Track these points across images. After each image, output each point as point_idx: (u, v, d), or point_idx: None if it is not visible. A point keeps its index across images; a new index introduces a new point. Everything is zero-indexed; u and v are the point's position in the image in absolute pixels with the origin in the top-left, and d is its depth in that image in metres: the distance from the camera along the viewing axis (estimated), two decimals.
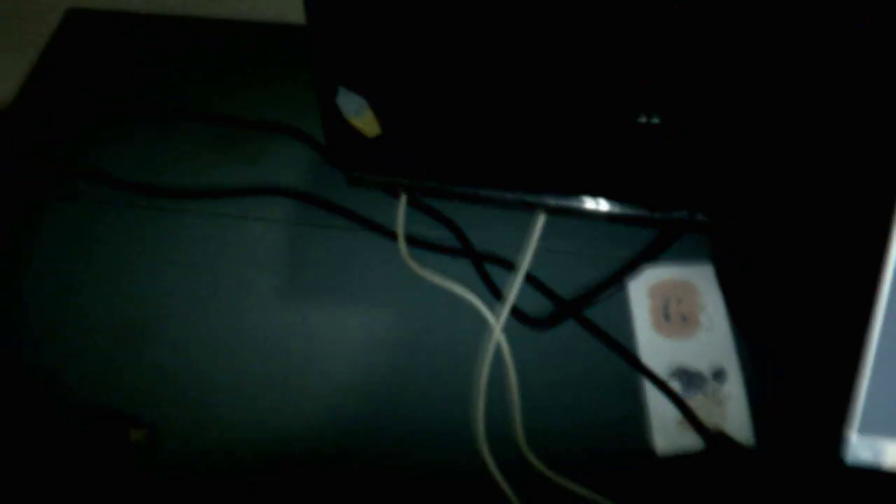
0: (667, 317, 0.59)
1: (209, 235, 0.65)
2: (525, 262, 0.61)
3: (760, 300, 0.58)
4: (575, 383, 0.58)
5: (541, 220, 0.61)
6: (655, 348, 0.59)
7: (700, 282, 0.60)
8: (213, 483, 0.56)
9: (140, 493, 0.56)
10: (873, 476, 0.48)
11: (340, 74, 0.52)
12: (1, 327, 0.62)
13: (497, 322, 0.59)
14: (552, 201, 0.59)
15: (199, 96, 0.72)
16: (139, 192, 0.66)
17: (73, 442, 0.57)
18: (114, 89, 0.73)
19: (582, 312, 0.60)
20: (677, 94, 0.49)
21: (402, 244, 0.62)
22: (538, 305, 0.61)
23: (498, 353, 0.59)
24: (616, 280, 0.60)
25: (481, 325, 0.60)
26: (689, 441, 0.56)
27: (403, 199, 0.63)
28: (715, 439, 0.55)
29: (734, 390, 0.57)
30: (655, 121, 0.50)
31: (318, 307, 0.62)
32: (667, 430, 0.56)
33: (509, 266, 0.62)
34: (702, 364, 0.58)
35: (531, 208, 0.61)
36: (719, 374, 0.57)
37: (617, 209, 0.58)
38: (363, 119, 0.54)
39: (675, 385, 0.57)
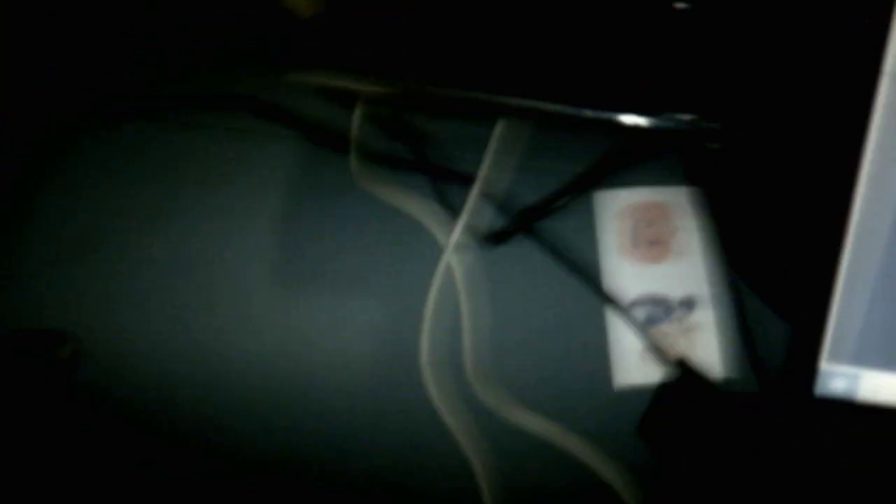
0: (635, 242, 0.55)
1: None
2: (482, 174, 0.55)
3: (743, 225, 0.53)
4: (535, 310, 0.54)
5: (501, 127, 0.55)
6: (621, 274, 0.54)
7: (673, 205, 0.55)
8: (142, 405, 0.54)
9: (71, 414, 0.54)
10: (845, 408, 0.44)
11: None
12: None
13: (447, 240, 0.55)
14: (520, 103, 0.52)
15: None
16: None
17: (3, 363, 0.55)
18: None
19: (535, 225, 0.55)
20: None
21: (353, 159, 0.58)
22: (499, 225, 0.56)
23: (450, 276, 0.54)
24: (573, 189, 0.55)
25: (436, 248, 0.55)
26: (651, 373, 0.51)
27: (358, 110, 0.58)
28: (676, 369, 0.51)
29: (703, 319, 0.52)
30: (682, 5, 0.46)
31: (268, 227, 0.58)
32: (627, 361, 0.52)
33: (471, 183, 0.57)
34: (670, 291, 0.53)
35: (498, 112, 0.55)
36: (688, 303, 0.53)
37: (589, 112, 0.52)
38: None
39: (640, 312, 0.53)
